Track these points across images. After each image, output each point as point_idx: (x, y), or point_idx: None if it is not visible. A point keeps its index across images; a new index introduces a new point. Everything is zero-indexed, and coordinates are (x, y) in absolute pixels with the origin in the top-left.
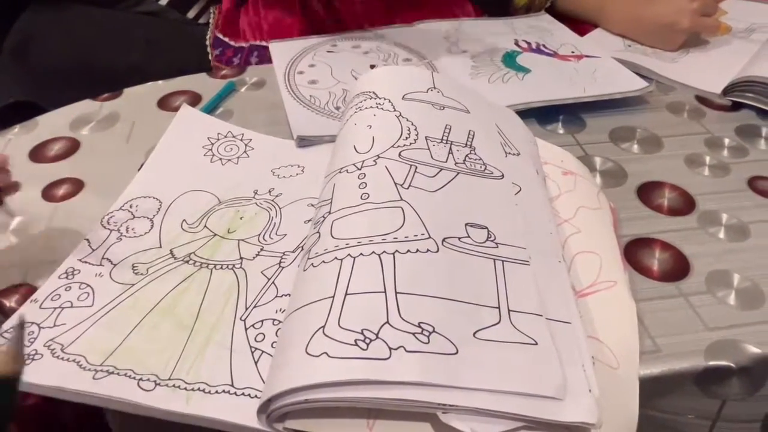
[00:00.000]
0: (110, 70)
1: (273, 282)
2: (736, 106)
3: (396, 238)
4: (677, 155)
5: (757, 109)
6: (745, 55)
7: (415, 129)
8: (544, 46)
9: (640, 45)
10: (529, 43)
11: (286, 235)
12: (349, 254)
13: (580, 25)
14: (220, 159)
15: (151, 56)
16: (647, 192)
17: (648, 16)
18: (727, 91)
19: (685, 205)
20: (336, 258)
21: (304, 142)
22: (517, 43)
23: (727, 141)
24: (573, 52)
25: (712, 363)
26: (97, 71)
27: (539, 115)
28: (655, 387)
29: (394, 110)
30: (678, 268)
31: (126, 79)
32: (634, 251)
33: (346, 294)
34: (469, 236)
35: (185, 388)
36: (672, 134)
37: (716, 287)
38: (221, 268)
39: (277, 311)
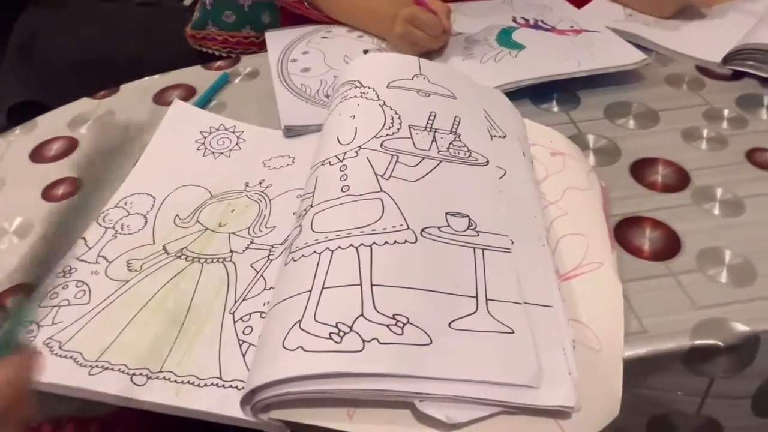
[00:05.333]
0: (112, 61)
1: (261, 275)
2: (738, 75)
3: (374, 230)
4: (674, 129)
5: (759, 77)
6: (746, 24)
7: (399, 118)
8: (542, 21)
9: (641, 14)
10: (527, 20)
11: (275, 227)
12: (327, 248)
13: None
14: (213, 153)
15: (150, 45)
16: (641, 169)
17: None
18: (727, 60)
19: (679, 181)
20: (315, 252)
21: (291, 132)
22: (515, 20)
23: (726, 112)
24: (572, 26)
25: (698, 342)
26: (100, 64)
27: (533, 94)
28: (642, 367)
29: (378, 99)
30: (669, 247)
31: (127, 69)
32: (624, 231)
33: (323, 288)
34: (449, 225)
35: (175, 381)
36: (669, 107)
37: (707, 265)
38: (212, 261)
39: (264, 304)
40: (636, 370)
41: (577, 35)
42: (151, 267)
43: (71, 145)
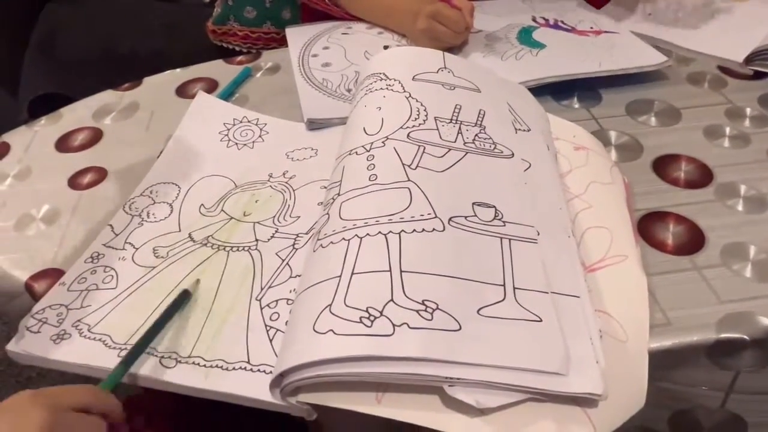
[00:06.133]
0: (133, 56)
1: (287, 263)
2: (760, 75)
3: (402, 218)
4: (696, 127)
5: None
6: (765, 24)
7: (425, 110)
8: (562, 22)
9: (660, 14)
10: (546, 20)
11: (299, 217)
12: (356, 235)
13: None
14: (236, 144)
15: (171, 41)
16: (663, 165)
17: None
18: (749, 60)
19: (702, 177)
20: (344, 239)
21: (314, 125)
22: (534, 20)
23: (748, 111)
24: (592, 27)
25: (723, 335)
26: (121, 58)
27: (554, 91)
28: (667, 359)
29: (404, 91)
30: (693, 241)
31: (148, 64)
32: (648, 225)
33: (353, 273)
34: (476, 215)
35: (204, 365)
36: (691, 105)
37: (732, 260)
38: (238, 250)
39: (290, 291)
40: (661, 362)
41: (598, 36)
42: (177, 254)
43: (96, 135)
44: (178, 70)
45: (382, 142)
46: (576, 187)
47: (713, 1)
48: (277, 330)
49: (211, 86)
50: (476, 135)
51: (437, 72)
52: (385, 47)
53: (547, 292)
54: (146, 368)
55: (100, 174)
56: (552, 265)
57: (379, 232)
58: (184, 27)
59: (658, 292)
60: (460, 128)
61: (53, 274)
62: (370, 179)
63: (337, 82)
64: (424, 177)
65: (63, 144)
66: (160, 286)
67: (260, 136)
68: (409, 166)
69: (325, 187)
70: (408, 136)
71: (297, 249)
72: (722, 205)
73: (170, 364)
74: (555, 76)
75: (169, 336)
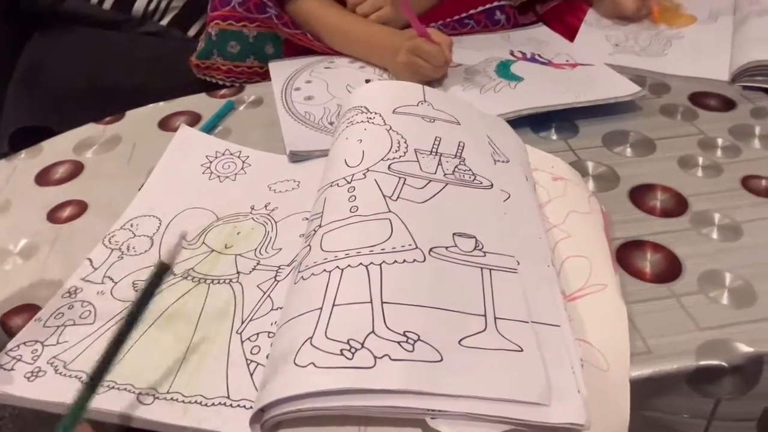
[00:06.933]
0: (117, 89)
1: (268, 295)
2: (730, 106)
3: (383, 249)
4: (670, 157)
5: (752, 108)
6: (722, 39)
7: (405, 142)
8: (539, 55)
9: (627, 45)
10: (524, 53)
11: (281, 249)
12: (337, 266)
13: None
14: (218, 176)
15: (155, 74)
16: (640, 195)
17: None
18: (736, 78)
19: (677, 206)
20: (325, 270)
21: (297, 157)
22: (512, 53)
23: (720, 141)
24: (567, 60)
25: (703, 363)
26: (105, 92)
27: (532, 123)
28: (648, 387)
29: (385, 124)
30: (670, 270)
31: (132, 97)
32: (626, 254)
33: (334, 305)
34: (456, 245)
35: (183, 401)
36: (665, 136)
37: (709, 287)
38: (219, 282)
39: (272, 324)
40: (642, 390)
41: (573, 69)
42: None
43: (77, 168)
44: (161, 103)
45: (363, 174)
46: (555, 217)
47: (660, 30)
48: (258, 364)
49: (194, 119)
50: (456, 166)
51: (417, 105)
52: (367, 81)
53: (527, 322)
54: (123, 404)
55: (80, 207)
56: (532, 294)
57: (360, 264)
58: (168, 61)
59: (637, 320)
60: (440, 160)
61: (29, 310)
62: (351, 211)
63: (320, 115)
64: (404, 208)
65: (43, 177)
66: (138, 321)
67: (242, 169)
68: (389, 197)
69: (307, 219)
70: (389, 167)
71: (279, 281)
72: (697, 234)
73: (148, 400)
74: (533, 108)
75: (147, 371)
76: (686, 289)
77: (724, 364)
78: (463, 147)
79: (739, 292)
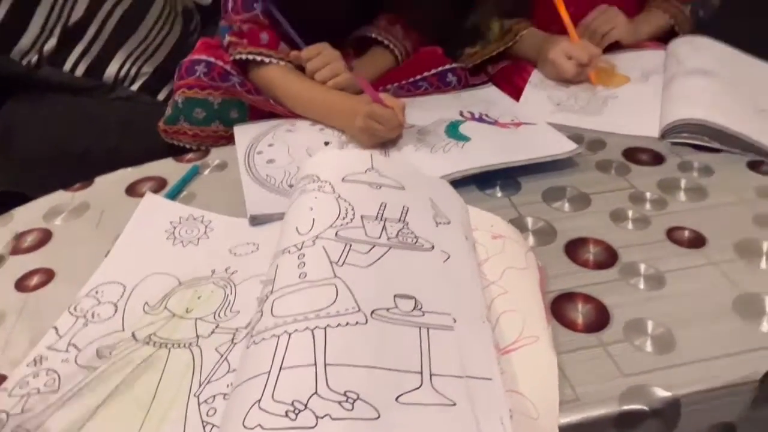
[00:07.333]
0: (89, 154)
1: (225, 358)
2: (659, 161)
3: (328, 313)
4: (603, 211)
5: (679, 162)
6: (652, 97)
7: (352, 209)
8: (486, 115)
9: (568, 104)
10: (472, 114)
11: (239, 311)
12: (285, 331)
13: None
14: (182, 242)
15: (127, 138)
16: (575, 248)
17: (550, 59)
18: (665, 135)
19: (608, 258)
20: (274, 335)
21: (257, 220)
22: (462, 114)
23: (648, 195)
24: (512, 119)
25: (626, 408)
26: (77, 157)
27: (479, 181)
28: None
29: (334, 192)
30: (599, 320)
31: (104, 161)
32: (560, 306)
33: (281, 369)
34: (397, 306)
35: None
36: (599, 191)
37: (633, 335)
38: (179, 347)
39: (227, 386)
40: None
41: (518, 128)
42: (119, 354)
43: (46, 236)
44: (129, 169)
45: (312, 241)
46: (492, 274)
47: (598, 90)
48: (214, 426)
49: (160, 184)
50: (399, 230)
51: (365, 172)
52: (326, 143)
53: (461, 377)
54: None
55: (48, 275)
56: (467, 350)
57: (307, 328)
58: (139, 125)
59: (567, 369)
60: (384, 225)
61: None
62: (300, 277)
63: (280, 178)
64: (349, 273)
65: (13, 246)
66: (102, 388)
67: (205, 233)
68: (336, 263)
69: (264, 282)
70: (336, 234)
71: (236, 343)
72: (626, 284)
73: None
74: (478, 167)
75: None
76: (613, 337)
77: (645, 408)
78: (407, 211)
79: (661, 339)
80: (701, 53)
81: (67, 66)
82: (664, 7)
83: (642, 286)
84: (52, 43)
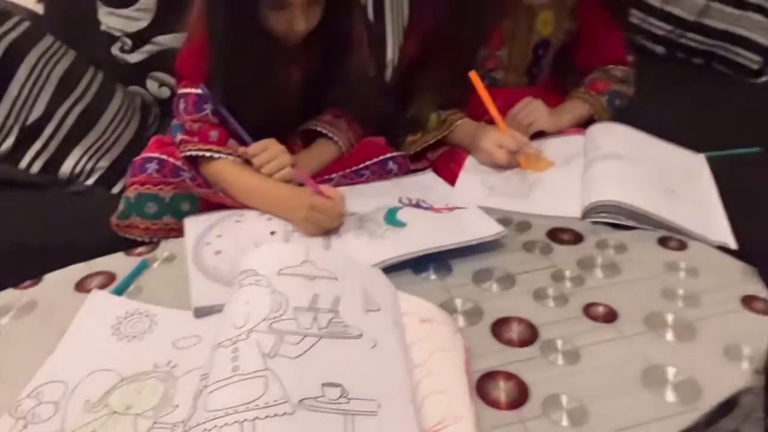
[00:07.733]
0: (45, 249)
1: None
2: (579, 239)
3: (258, 405)
4: (527, 290)
5: (597, 240)
6: (575, 179)
7: (287, 301)
8: (423, 201)
9: (500, 189)
10: (410, 200)
11: (178, 405)
12: (216, 425)
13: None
14: (126, 337)
15: (81, 233)
16: (500, 327)
17: (483, 148)
18: (585, 215)
19: (530, 335)
20: (205, 429)
21: (200, 312)
22: (400, 200)
23: (568, 273)
24: (446, 204)
25: None
26: (31, 251)
27: (413, 265)
28: None
29: (270, 285)
30: (520, 396)
31: (57, 256)
32: (485, 384)
33: None
34: (324, 395)
35: None
36: (524, 270)
37: (550, 410)
38: None
39: None
40: None
41: (451, 212)
42: None
43: None
44: (79, 264)
45: (246, 335)
46: (420, 357)
47: (526, 174)
48: None
49: (109, 279)
50: (330, 320)
51: (300, 265)
52: (272, 233)
53: None
54: None
55: None
56: None
57: (236, 421)
58: (93, 218)
59: None
60: (316, 315)
61: None
62: (233, 370)
63: (227, 269)
64: (280, 364)
65: None
66: None
67: (150, 328)
68: (268, 355)
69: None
70: (270, 326)
71: None
72: (545, 360)
73: None
74: (412, 252)
75: None
76: (532, 413)
77: None
78: (339, 300)
79: (575, 413)
80: (615, 138)
81: (23, 163)
82: (584, 98)
83: (560, 361)
84: (9, 142)
